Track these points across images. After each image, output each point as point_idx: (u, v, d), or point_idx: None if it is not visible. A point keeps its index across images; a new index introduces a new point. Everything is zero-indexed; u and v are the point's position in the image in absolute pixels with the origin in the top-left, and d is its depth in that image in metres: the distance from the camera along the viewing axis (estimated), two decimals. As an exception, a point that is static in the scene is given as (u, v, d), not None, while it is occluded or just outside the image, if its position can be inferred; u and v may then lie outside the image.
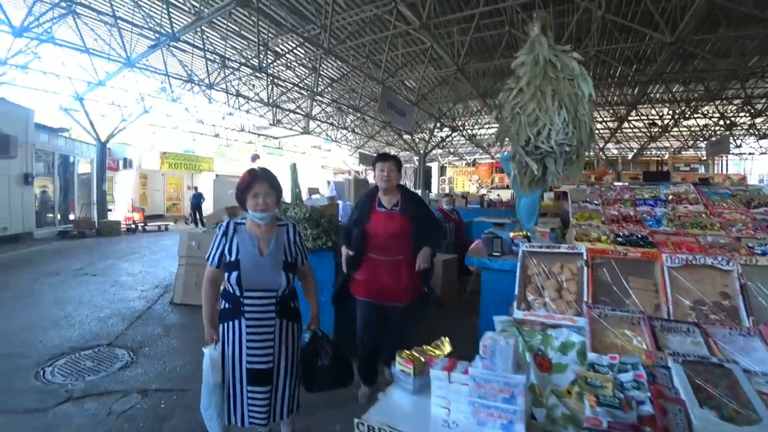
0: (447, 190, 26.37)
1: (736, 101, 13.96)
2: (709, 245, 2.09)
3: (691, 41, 7.60)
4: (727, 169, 23.97)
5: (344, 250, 2.79)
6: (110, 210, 16.36)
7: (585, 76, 1.84)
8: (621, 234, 2.15)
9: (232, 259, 1.99)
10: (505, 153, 2.39)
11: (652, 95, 13.96)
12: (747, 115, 14.99)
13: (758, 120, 15.81)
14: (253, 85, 12.64)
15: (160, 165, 20.46)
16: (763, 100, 13.78)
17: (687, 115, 15.18)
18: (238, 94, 12.38)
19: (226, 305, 2.03)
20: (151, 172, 20.30)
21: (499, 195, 19.52)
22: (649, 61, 10.77)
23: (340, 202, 5.86)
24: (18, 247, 10.56)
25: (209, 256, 2.06)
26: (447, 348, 1.33)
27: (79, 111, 13.03)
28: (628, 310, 1.66)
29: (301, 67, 11.29)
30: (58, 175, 14.03)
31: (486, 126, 19.70)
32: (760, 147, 20.74)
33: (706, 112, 15.32)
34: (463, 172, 28.67)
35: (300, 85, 11.75)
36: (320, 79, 11.12)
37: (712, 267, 1.87)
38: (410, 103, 11.15)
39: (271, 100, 12.27)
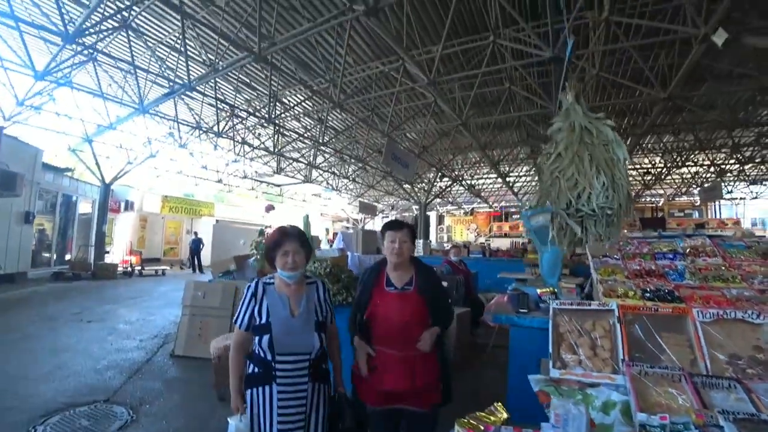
0: (446, 239, 26.37)
1: (725, 149, 14.46)
2: (735, 298, 2.10)
3: (680, 96, 8.02)
4: (720, 213, 24.34)
5: (358, 343, 2.24)
6: (107, 252, 16.22)
7: (619, 141, 1.94)
8: (648, 289, 2.16)
9: (263, 321, 1.92)
10: (524, 210, 2.45)
11: (644, 145, 14.45)
12: (736, 162, 15.50)
13: (747, 166, 16.32)
14: (259, 134, 13.01)
15: (160, 208, 20.54)
16: (751, 148, 14.27)
17: (679, 164, 15.64)
18: (243, 142, 12.68)
19: (256, 369, 1.93)
20: (151, 215, 20.33)
21: (489, 242, 19.48)
22: (640, 113, 11.26)
23: (348, 254, 5.84)
24: (12, 287, 10.37)
25: (237, 318, 1.98)
26: (503, 414, 1.28)
27: (84, 151, 13.27)
28: (667, 367, 1.64)
29: (306, 118, 11.68)
30: (59, 214, 14.03)
31: (485, 176, 20.10)
32: (751, 192, 21.22)
33: (696, 160, 15.82)
34: (461, 221, 28.95)
35: (305, 135, 12.10)
36: (325, 130, 11.49)
37: (743, 321, 1.87)
38: (413, 155, 11.46)
39: (276, 149, 12.58)
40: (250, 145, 13.10)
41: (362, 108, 10.54)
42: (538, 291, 2.35)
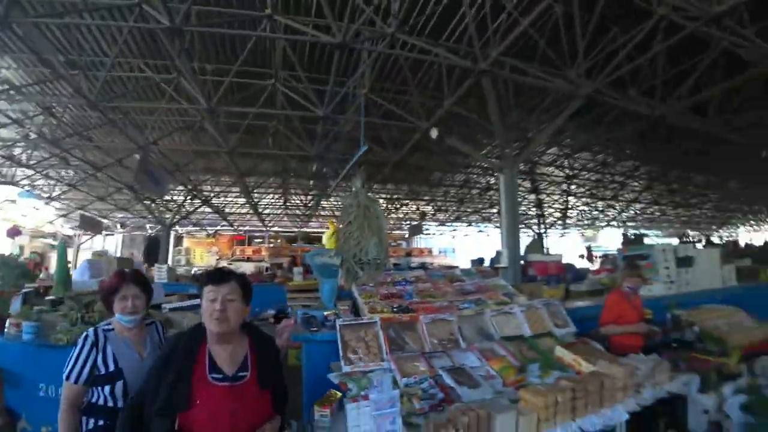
0: (184, 262, 23.75)
1: (426, 199, 19.98)
2: (440, 307, 3.40)
3: (404, 161, 10.93)
4: (419, 244, 32.45)
5: None
6: None
7: (383, 214, 2.98)
8: (394, 306, 3.22)
9: (111, 369, 1.88)
10: (310, 251, 3.36)
11: (374, 191, 18.17)
12: (432, 209, 21.69)
13: (438, 212, 23.04)
14: None
15: None
16: (441, 200, 20.23)
17: (397, 207, 20.47)
18: None
19: (100, 422, 1.83)
20: None
21: (232, 266, 19.00)
22: (374, 166, 14.26)
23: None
24: None
25: (72, 372, 1.84)
26: (338, 395, 1.84)
27: None
28: (411, 351, 2.69)
29: (27, 103, 8.81)
30: None
31: (234, 200, 19.84)
32: (438, 230, 29.71)
33: (408, 205, 21.11)
34: (201, 243, 26.74)
35: (20, 122, 9.15)
36: (57, 125, 9.12)
37: (444, 320, 3.12)
38: (169, 173, 10.50)
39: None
40: None
41: (114, 110, 9.00)
42: (325, 313, 3.03)
